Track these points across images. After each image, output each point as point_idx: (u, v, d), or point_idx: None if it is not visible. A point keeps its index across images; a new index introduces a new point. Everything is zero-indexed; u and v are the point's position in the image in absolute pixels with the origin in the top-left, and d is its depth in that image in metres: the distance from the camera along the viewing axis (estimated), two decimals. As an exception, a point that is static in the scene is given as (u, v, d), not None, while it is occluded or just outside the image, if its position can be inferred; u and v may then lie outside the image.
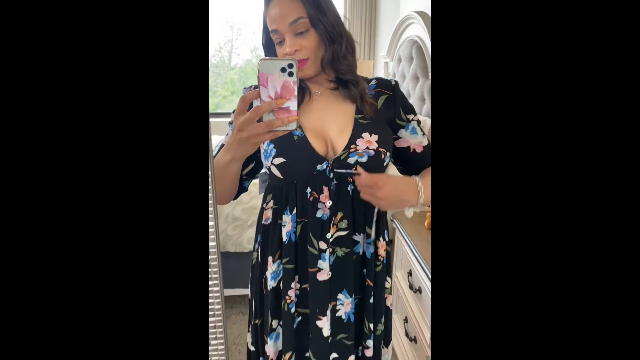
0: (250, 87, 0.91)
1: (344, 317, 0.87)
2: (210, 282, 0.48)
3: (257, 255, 0.94)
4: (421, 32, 2.29)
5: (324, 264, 0.84)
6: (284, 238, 0.86)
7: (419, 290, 1.44)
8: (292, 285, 0.87)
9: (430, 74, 2.25)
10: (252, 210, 1.98)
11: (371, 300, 0.89)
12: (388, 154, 0.86)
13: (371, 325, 0.90)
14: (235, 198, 0.92)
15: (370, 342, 0.91)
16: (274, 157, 0.83)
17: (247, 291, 1.17)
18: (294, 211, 0.85)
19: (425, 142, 0.94)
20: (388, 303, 0.96)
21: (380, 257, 0.90)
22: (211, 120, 0.65)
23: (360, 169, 0.81)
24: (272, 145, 0.84)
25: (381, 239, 0.90)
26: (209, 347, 0.48)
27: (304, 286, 0.87)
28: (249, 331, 0.99)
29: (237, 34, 5.21)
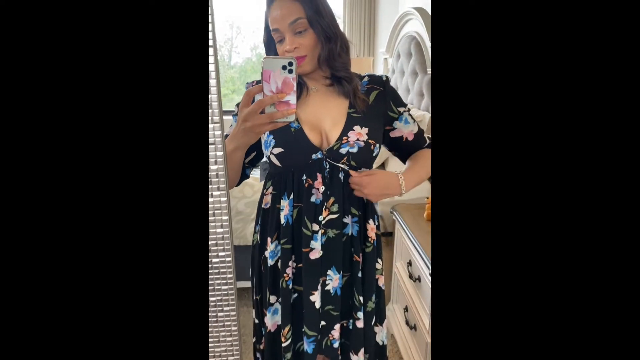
0: (253, 82, 1.00)
1: (332, 291, 0.97)
2: (223, 276, 0.52)
3: (257, 236, 1.04)
4: (419, 28, 2.32)
5: (316, 244, 0.94)
6: (282, 221, 0.96)
7: (419, 279, 1.48)
8: (290, 264, 0.96)
9: (428, 69, 2.28)
10: (254, 204, 2.02)
11: (359, 275, 0.98)
12: (377, 145, 0.96)
13: (361, 299, 0.99)
14: (238, 184, 1.01)
15: (360, 314, 0.99)
16: (273, 147, 0.93)
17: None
18: (291, 196, 0.95)
19: (416, 129, 1.04)
20: (380, 283, 1.05)
21: (370, 239, 1.00)
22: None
23: (353, 173, 0.92)
24: (271, 137, 0.93)
25: (371, 221, 1.00)
26: (221, 342, 0.51)
27: (299, 265, 0.97)
28: (253, 307, 1.09)
29: (237, 32, 5.23)
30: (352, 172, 0.92)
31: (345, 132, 0.93)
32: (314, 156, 0.92)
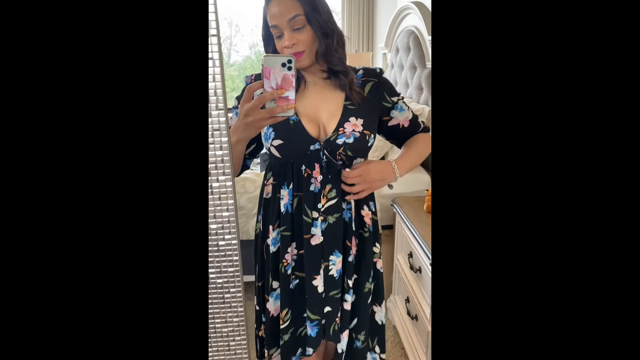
0: (252, 75, 1.04)
1: (335, 275, 1.01)
2: (229, 258, 0.54)
3: (260, 225, 1.08)
4: (418, 23, 2.33)
5: (317, 230, 0.97)
6: (282, 209, 0.99)
7: (419, 270, 1.50)
8: (289, 250, 1.00)
9: (427, 63, 2.30)
10: (256, 199, 2.04)
11: (350, 259, 1.02)
12: (372, 135, 1.00)
13: (350, 282, 1.03)
14: (239, 175, 1.06)
15: (348, 297, 1.03)
16: (273, 139, 0.97)
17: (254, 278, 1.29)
18: (291, 186, 0.99)
19: (411, 116, 1.08)
20: (378, 266, 1.09)
21: (366, 225, 1.04)
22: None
23: (344, 173, 0.96)
24: (271, 129, 0.97)
25: (366, 208, 1.04)
26: (228, 323, 0.53)
27: (300, 252, 1.00)
28: (255, 294, 1.13)
29: (236, 30, 5.23)
30: (343, 172, 0.97)
31: (341, 123, 0.97)
32: (312, 147, 0.96)
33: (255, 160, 1.14)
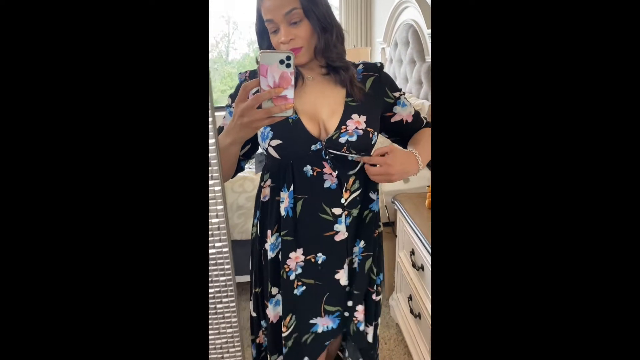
0: (246, 72, 0.98)
1: (357, 268, 1.00)
2: (221, 267, 0.51)
3: (257, 229, 1.03)
4: (417, 16, 2.29)
5: (341, 227, 0.95)
6: (282, 213, 0.94)
7: (422, 268, 1.48)
8: (291, 255, 0.96)
9: (426, 57, 2.26)
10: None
11: (372, 253, 1.02)
12: (375, 133, 0.95)
13: (374, 275, 1.03)
14: (233, 177, 1.00)
15: (374, 288, 1.04)
16: (271, 139, 0.91)
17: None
18: (291, 188, 0.93)
19: (413, 111, 1.04)
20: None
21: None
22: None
23: (364, 159, 0.92)
24: (268, 128, 0.92)
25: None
26: (221, 334, 0.51)
27: (308, 257, 0.95)
28: (250, 299, 1.09)
29: (234, 28, 5.21)
30: (364, 159, 0.92)
31: (343, 121, 0.91)
32: (313, 147, 0.91)
33: (249, 160, 1.09)
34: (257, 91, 0.75)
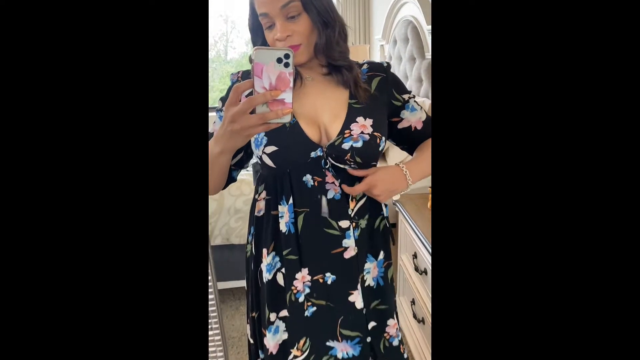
0: (239, 72, 0.88)
1: (372, 284, 0.88)
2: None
3: (251, 247, 0.92)
4: (416, 12, 2.25)
5: (349, 242, 0.84)
6: (283, 229, 0.84)
7: (425, 272, 1.44)
8: (297, 276, 0.85)
9: (426, 54, 2.21)
10: (254, 201, 1.98)
11: (391, 260, 0.93)
12: (383, 138, 0.84)
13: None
14: (224, 188, 0.90)
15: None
16: (265, 146, 0.80)
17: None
18: (290, 201, 0.83)
19: (424, 117, 0.92)
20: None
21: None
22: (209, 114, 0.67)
23: (344, 187, 0.82)
24: (262, 134, 0.81)
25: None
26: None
27: (315, 277, 0.85)
28: (248, 323, 0.97)
29: (232, 27, 5.16)
30: (350, 171, 0.82)
31: (347, 125, 0.81)
32: (312, 154, 0.80)
33: (242, 171, 0.99)
34: (251, 93, 0.65)
